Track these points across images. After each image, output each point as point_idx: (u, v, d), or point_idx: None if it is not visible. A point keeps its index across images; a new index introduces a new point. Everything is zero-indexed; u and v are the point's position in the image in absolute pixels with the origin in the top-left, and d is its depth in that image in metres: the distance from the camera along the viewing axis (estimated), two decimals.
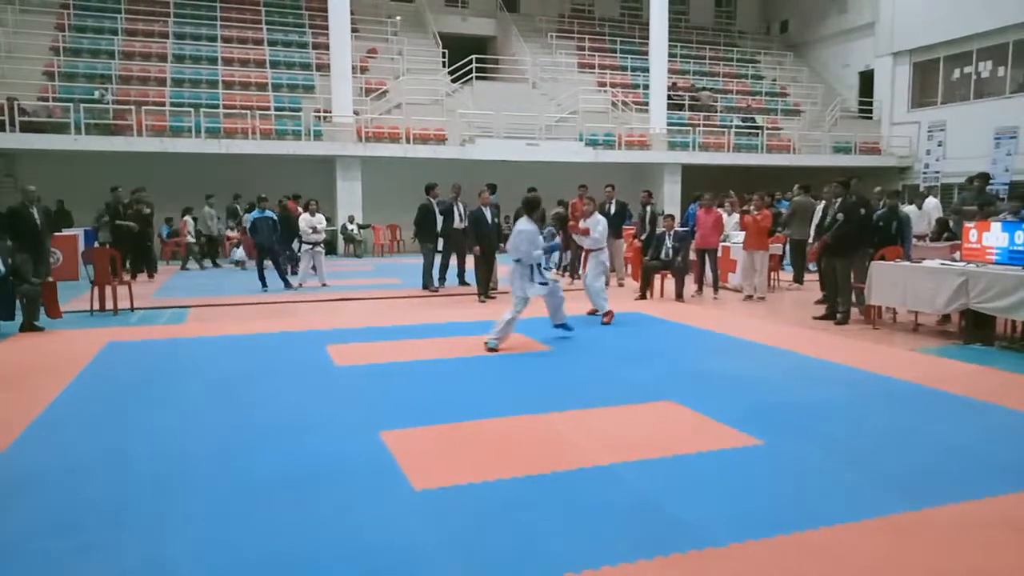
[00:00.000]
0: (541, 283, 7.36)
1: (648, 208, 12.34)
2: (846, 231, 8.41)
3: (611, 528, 3.21)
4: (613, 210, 11.97)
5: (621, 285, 12.13)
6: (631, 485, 3.69)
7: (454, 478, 3.76)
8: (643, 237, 12.07)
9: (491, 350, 7.00)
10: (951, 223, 10.26)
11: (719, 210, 11.32)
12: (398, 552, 3.01)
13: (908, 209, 10.85)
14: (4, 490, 3.68)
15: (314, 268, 12.40)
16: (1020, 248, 7.04)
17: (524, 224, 7.40)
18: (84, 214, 16.26)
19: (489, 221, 10.56)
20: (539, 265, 7.42)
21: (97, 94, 17.82)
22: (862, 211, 8.50)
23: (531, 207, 7.58)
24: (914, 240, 10.01)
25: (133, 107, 17.55)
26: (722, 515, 3.32)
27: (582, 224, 8.76)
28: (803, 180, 13.48)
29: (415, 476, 3.79)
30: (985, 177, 10.11)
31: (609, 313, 8.57)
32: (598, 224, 8.63)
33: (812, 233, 9.82)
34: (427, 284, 11.68)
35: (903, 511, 3.36)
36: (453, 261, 12.08)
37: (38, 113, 16.92)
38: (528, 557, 2.95)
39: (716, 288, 11.00)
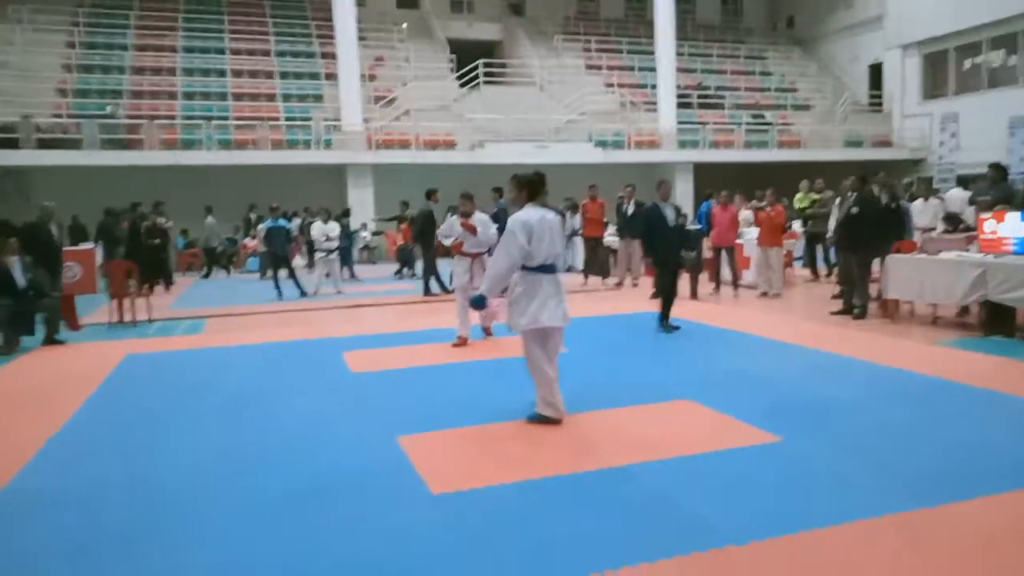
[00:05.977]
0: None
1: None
2: (860, 224, 8.36)
3: (631, 528, 3.20)
4: (631, 211, 11.94)
5: (635, 285, 12.10)
6: (650, 484, 3.67)
7: (472, 481, 3.76)
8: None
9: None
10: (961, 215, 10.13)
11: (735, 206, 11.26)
12: (417, 556, 3.01)
13: (916, 203, 10.76)
14: (23, 508, 3.67)
15: (328, 275, 12.50)
16: None
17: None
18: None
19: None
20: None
21: (108, 109, 18.02)
22: (882, 203, 8.44)
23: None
24: (917, 233, 9.92)
25: (145, 121, 17.73)
26: (742, 513, 3.30)
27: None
28: (813, 175, 13.40)
29: (433, 480, 3.79)
30: (999, 168, 9.95)
31: (461, 339, 7.37)
32: (488, 226, 7.54)
33: (831, 228, 9.76)
34: (428, 291, 11.65)
35: (923, 507, 3.32)
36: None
37: (52, 130, 17.14)
38: (548, 559, 2.95)
39: (736, 285, 10.94)
